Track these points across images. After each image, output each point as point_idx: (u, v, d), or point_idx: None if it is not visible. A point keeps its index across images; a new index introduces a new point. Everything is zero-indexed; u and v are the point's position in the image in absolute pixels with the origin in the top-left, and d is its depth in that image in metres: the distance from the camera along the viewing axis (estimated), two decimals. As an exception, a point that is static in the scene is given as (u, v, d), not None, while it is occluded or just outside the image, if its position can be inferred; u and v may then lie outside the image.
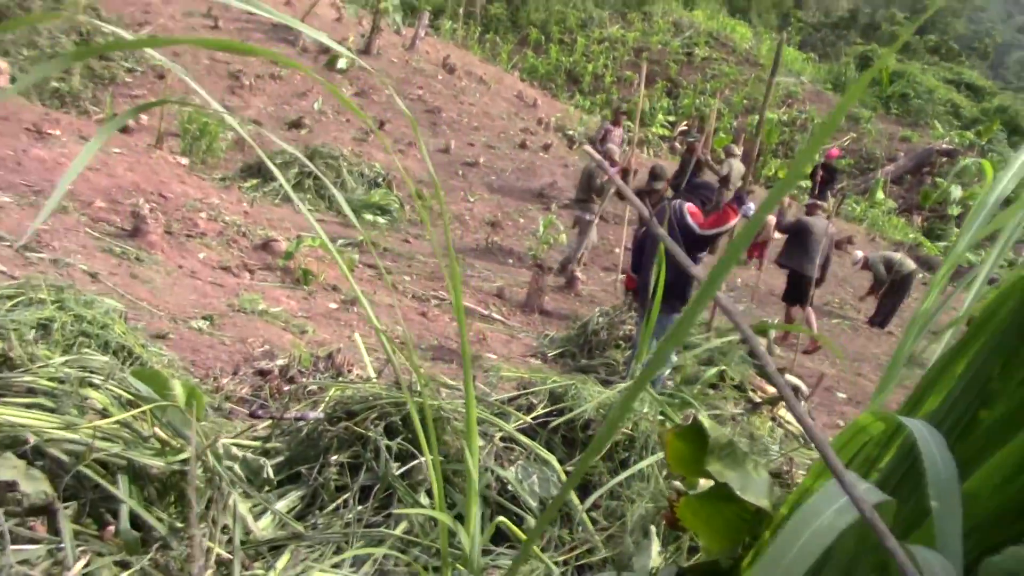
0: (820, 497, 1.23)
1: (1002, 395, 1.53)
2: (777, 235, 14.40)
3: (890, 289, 15.03)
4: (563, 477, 3.60)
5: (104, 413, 2.65)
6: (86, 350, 3.57)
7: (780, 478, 4.50)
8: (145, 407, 2.56)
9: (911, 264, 15.02)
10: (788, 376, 8.96)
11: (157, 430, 2.64)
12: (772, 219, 16.33)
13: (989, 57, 57.33)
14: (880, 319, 15.21)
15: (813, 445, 6.80)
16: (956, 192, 24.58)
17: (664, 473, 3.66)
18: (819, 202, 13.41)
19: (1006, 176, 2.41)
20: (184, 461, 2.63)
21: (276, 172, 2.38)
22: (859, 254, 15.62)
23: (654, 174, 12.79)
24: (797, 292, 12.27)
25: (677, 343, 1.10)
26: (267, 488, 3.31)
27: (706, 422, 1.93)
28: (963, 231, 2.39)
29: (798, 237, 12.23)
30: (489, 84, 23.04)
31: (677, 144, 24.21)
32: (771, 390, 8.43)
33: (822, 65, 36.74)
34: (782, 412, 8.11)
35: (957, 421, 1.58)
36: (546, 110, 23.39)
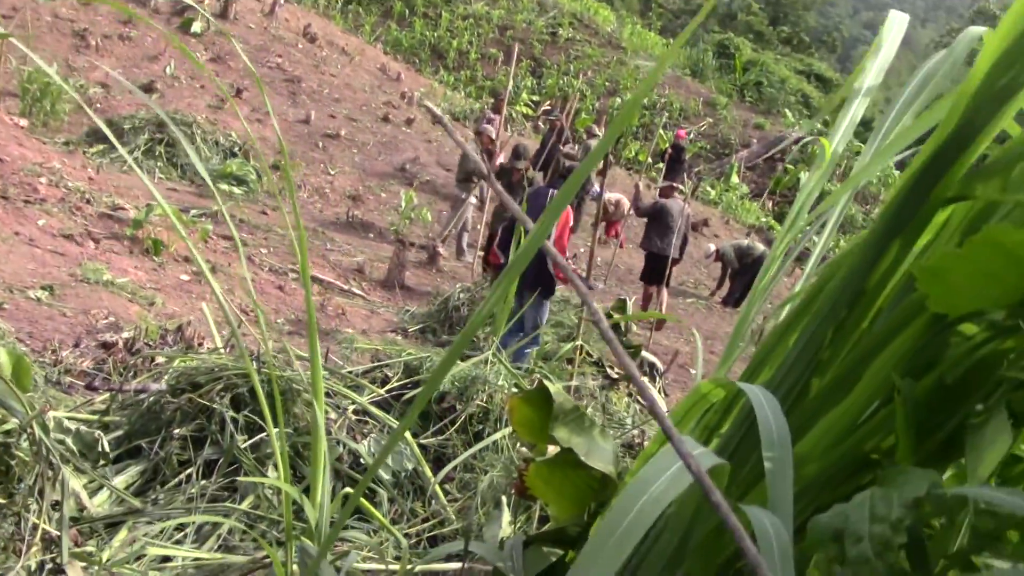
0: (654, 464, 1.23)
1: (832, 362, 1.57)
2: (634, 217, 14.73)
3: (741, 270, 15.63)
4: (416, 451, 3.56)
5: (-82, 382, 2.46)
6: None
7: (632, 450, 4.59)
8: (-37, 375, 2.39)
9: (760, 247, 15.67)
10: (644, 353, 9.15)
11: (-22, 400, 2.47)
12: (625, 200, 16.68)
13: (837, 50, 59.95)
14: (733, 299, 15.78)
15: (670, 401, 6.95)
16: (804, 176, 25.53)
17: (517, 445, 3.67)
18: (674, 184, 13.75)
19: (835, 137, 2.51)
20: (8, 433, 2.47)
21: (113, 139, 2.23)
22: (711, 247, 16.12)
23: (516, 153, 12.82)
24: (655, 272, 12.55)
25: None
26: (103, 463, 3.16)
27: (551, 387, 1.92)
28: (799, 201, 2.47)
29: (656, 219, 12.52)
30: (352, 55, 22.59)
31: (540, 123, 24.35)
32: (627, 366, 8.58)
33: (682, 51, 37.52)
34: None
35: (791, 388, 1.61)
36: (410, 84, 23.12)
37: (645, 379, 8.48)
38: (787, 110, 31.96)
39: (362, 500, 2.81)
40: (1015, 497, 1.08)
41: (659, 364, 9.20)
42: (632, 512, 1.14)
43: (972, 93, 1.39)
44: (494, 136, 13.17)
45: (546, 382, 1.94)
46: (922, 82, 2.20)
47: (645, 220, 13.15)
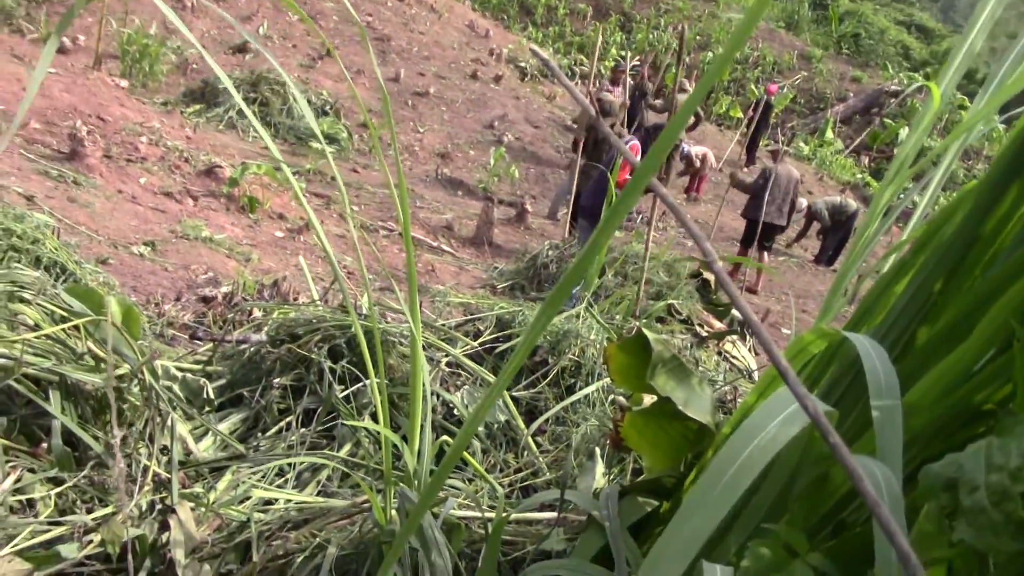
0: (763, 410, 1.21)
1: (944, 309, 1.53)
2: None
3: (833, 227, 15.28)
4: (508, 402, 3.58)
5: (36, 329, 2.56)
6: (16, 265, 3.45)
7: (724, 407, 4.55)
8: (78, 321, 2.47)
9: (853, 204, 15.29)
10: (735, 312, 9.04)
11: (91, 346, 2.57)
12: (711, 155, 16.39)
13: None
14: (826, 257, 15.45)
15: (760, 361, 6.87)
16: (904, 132, 24.80)
17: (610, 398, 3.67)
18: (782, 147, 13.39)
19: (941, 82, 2.40)
20: (120, 378, 2.56)
21: (232, 91, 2.25)
22: (803, 202, 15.70)
23: (603, 110, 12.69)
24: (756, 236, 12.29)
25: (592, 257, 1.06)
26: (207, 409, 3.26)
27: (650, 335, 1.90)
28: (900, 155, 2.39)
29: (764, 188, 12.15)
30: (440, 13, 22.59)
31: (629, 79, 24.05)
32: (717, 325, 8.51)
33: (776, 2, 36.56)
34: (728, 347, 8.21)
35: (899, 336, 1.58)
36: (498, 41, 23.02)
37: (735, 337, 8.39)
38: (886, 62, 30.92)
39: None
40: None
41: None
42: (741, 457, 1.13)
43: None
44: (616, 108, 13.00)
45: (644, 329, 1.93)
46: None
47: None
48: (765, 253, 12.40)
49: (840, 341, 1.72)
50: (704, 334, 8.05)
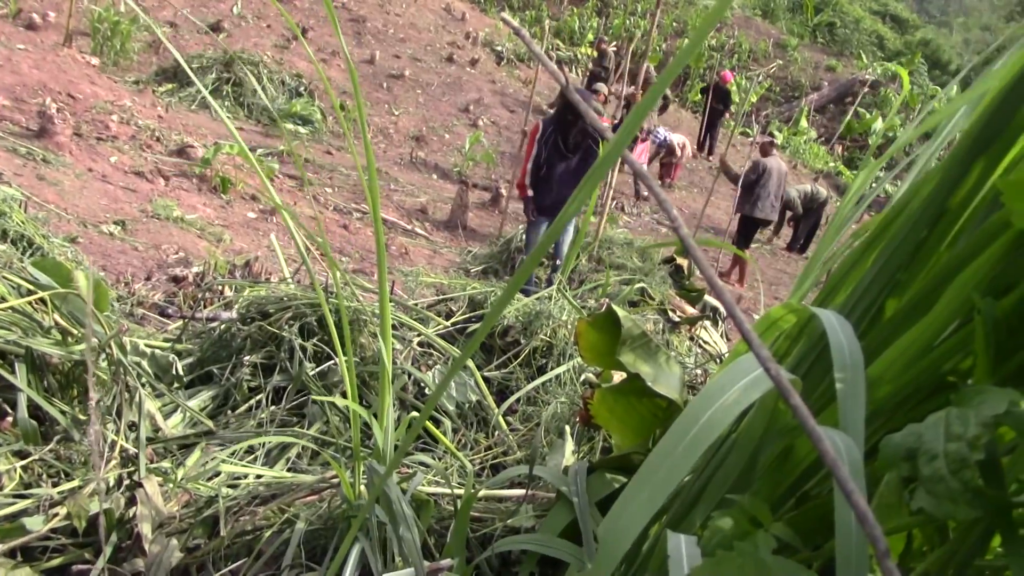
0: (726, 375, 1.22)
1: (910, 284, 1.54)
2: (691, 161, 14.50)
3: (804, 215, 15.39)
4: (480, 382, 3.59)
5: (1, 301, 2.53)
6: (-18, 238, 3.41)
7: (694, 389, 4.58)
8: (44, 293, 2.45)
9: (824, 192, 15.42)
10: (708, 297, 9.09)
11: (58, 319, 2.54)
12: (689, 143, 16.44)
13: (915, -10, 57.93)
14: (798, 245, 15.56)
15: (732, 346, 6.90)
16: (878, 123, 25.01)
17: (581, 378, 3.68)
18: (774, 140, 13.34)
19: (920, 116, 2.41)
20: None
21: (192, 75, 2.23)
22: (790, 193, 15.76)
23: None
24: (750, 237, 12.24)
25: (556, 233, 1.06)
26: (177, 386, 3.24)
27: (620, 311, 1.91)
28: (875, 142, 2.40)
29: (758, 182, 12.04)
30: (417, -5, 22.53)
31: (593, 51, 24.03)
32: (690, 310, 8.55)
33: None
34: (701, 333, 8.26)
35: (866, 311, 1.59)
36: (474, 24, 22.95)
37: (708, 323, 8.44)
38: (861, 52, 31.10)
39: (429, 425, 2.85)
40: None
41: (722, 308, 9.13)
42: (701, 420, 1.14)
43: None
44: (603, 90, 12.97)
45: (614, 305, 1.94)
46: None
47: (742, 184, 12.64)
48: (746, 249, 12.41)
49: (808, 317, 1.74)
50: (676, 319, 8.09)
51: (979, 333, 1.25)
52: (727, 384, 1.20)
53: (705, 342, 8.15)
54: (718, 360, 7.86)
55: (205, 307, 4.87)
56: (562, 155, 7.35)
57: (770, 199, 11.85)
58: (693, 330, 8.06)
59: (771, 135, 13.02)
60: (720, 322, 8.88)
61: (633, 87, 16.23)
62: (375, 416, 2.46)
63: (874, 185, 2.76)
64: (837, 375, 1.34)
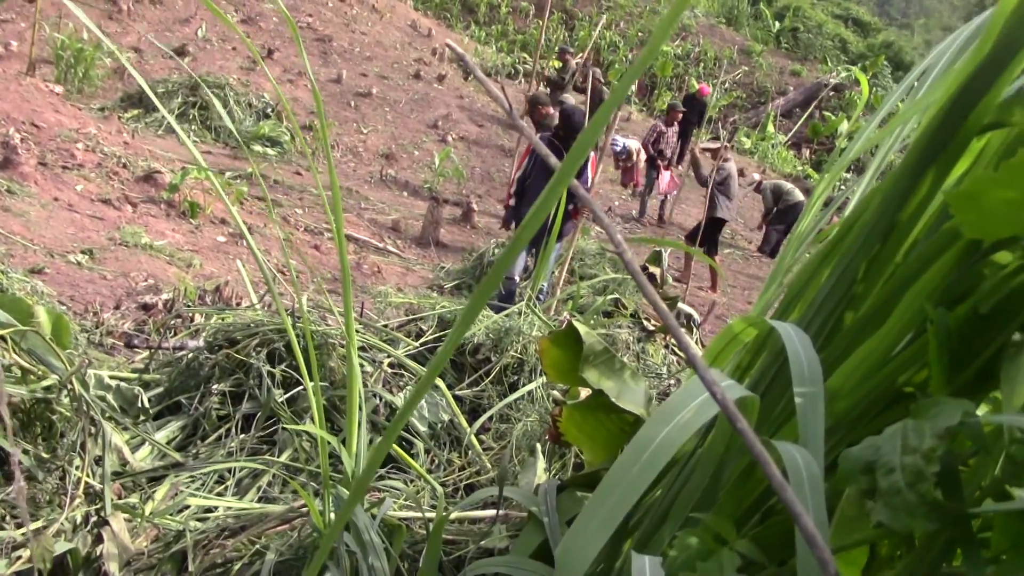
0: (682, 393, 1.22)
1: (865, 297, 1.55)
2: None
3: (777, 218, 15.46)
4: (451, 402, 3.58)
5: (-42, 341, 2.49)
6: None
7: (665, 396, 4.58)
8: (3, 332, 2.42)
9: (799, 195, 15.48)
10: (681, 305, 9.11)
11: (17, 358, 2.51)
12: (642, 150, 16.55)
13: (876, -7, 58.56)
14: (770, 247, 15.63)
15: (705, 334, 6.89)
16: (844, 125, 25.23)
17: (552, 394, 3.67)
18: (726, 144, 13.49)
19: (880, 113, 2.44)
20: (48, 389, 2.51)
21: (156, 101, 2.22)
22: (756, 176, 15.89)
23: (534, 100, 12.72)
24: (712, 238, 12.43)
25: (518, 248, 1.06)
26: (143, 418, 3.20)
27: (581, 328, 1.90)
28: (839, 146, 2.43)
29: (722, 185, 12.33)
30: (382, 12, 22.47)
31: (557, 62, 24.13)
32: (664, 318, 8.56)
33: (715, -1, 36.95)
34: (675, 340, 8.26)
35: (824, 324, 1.59)
36: (440, 40, 22.96)
37: (683, 330, 8.47)
38: (825, 56, 31.39)
39: (398, 449, 2.83)
40: (1050, 424, 1.06)
41: (696, 315, 9.16)
42: (658, 438, 1.14)
43: (1008, 13, 1.35)
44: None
45: (574, 322, 1.93)
46: (980, 24, 2.10)
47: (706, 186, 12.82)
48: (715, 254, 12.55)
49: (770, 329, 1.74)
50: (651, 328, 8.11)
51: (933, 344, 1.25)
52: (682, 403, 1.20)
53: (681, 350, 8.17)
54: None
55: (174, 334, 4.84)
56: (549, 173, 7.39)
57: (734, 201, 12.15)
58: (668, 338, 8.08)
59: (727, 142, 13.16)
60: (695, 329, 8.91)
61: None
62: (344, 444, 2.44)
63: (842, 188, 2.77)
64: (796, 390, 1.35)
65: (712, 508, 1.56)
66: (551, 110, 11.69)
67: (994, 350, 1.27)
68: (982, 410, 1.45)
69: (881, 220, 1.50)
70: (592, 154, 7.73)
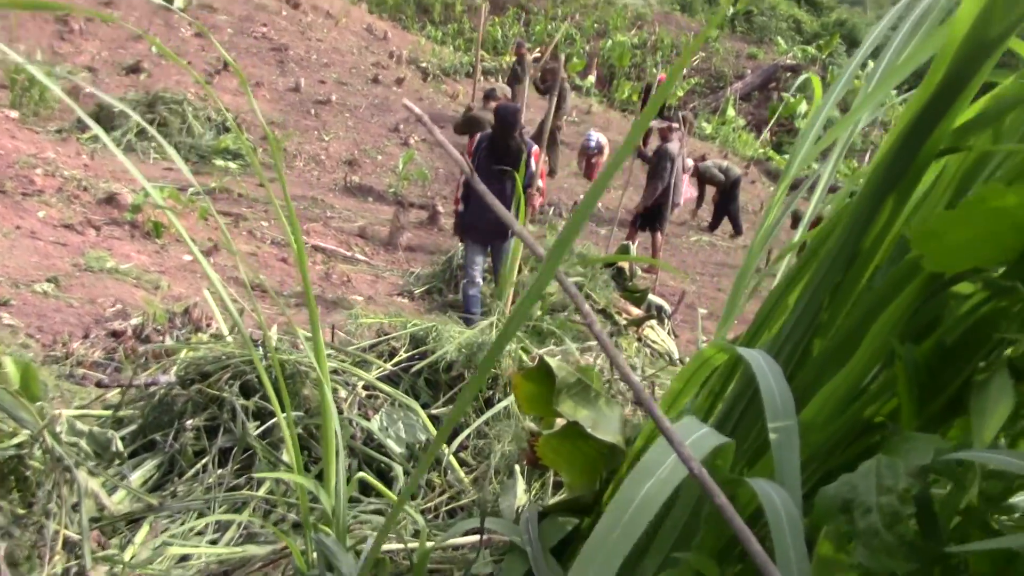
0: (652, 455, 1.22)
1: (831, 324, 1.56)
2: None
3: (722, 196, 15.68)
4: (427, 422, 3.57)
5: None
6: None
7: (642, 404, 4.59)
8: (-31, 391, 2.39)
9: (737, 170, 15.78)
10: (652, 296, 9.16)
11: (-16, 413, 2.48)
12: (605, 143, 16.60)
13: (827, -29, 58.93)
14: (718, 223, 15.88)
15: (679, 344, 6.91)
16: (802, 106, 25.46)
17: (527, 425, 3.67)
18: (672, 123, 13.53)
19: (835, 91, 2.45)
20: (20, 445, 2.48)
21: (95, 126, 2.18)
22: (690, 162, 15.78)
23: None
24: (651, 219, 12.40)
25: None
26: (118, 462, 3.17)
27: (552, 362, 1.91)
28: (794, 150, 2.44)
29: (657, 166, 12.23)
30: (337, 18, 22.35)
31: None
32: (635, 311, 8.61)
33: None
34: (648, 332, 8.31)
35: (793, 350, 1.61)
36: (397, 43, 22.89)
37: (654, 322, 8.50)
38: (779, 37, 31.62)
39: (377, 484, 2.82)
40: (1022, 460, 1.07)
41: (667, 306, 9.21)
42: (635, 501, 1.14)
43: (959, 43, 1.36)
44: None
45: (545, 357, 1.94)
46: (928, 6, 2.10)
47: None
48: (659, 234, 12.48)
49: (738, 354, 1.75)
50: (623, 322, 8.15)
51: (902, 379, 1.27)
52: (659, 459, 1.21)
53: (653, 341, 8.22)
54: (667, 358, 7.93)
55: (147, 361, 4.80)
56: (492, 174, 7.33)
57: (676, 183, 12.10)
58: (640, 331, 8.12)
59: (673, 125, 13.15)
60: (666, 320, 8.96)
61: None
62: (321, 475, 2.43)
63: (807, 172, 2.79)
64: (770, 424, 1.36)
65: (692, 542, 1.57)
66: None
67: (962, 381, 1.28)
68: (952, 432, 1.47)
69: (844, 248, 1.51)
70: (535, 147, 7.70)
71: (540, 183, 7.85)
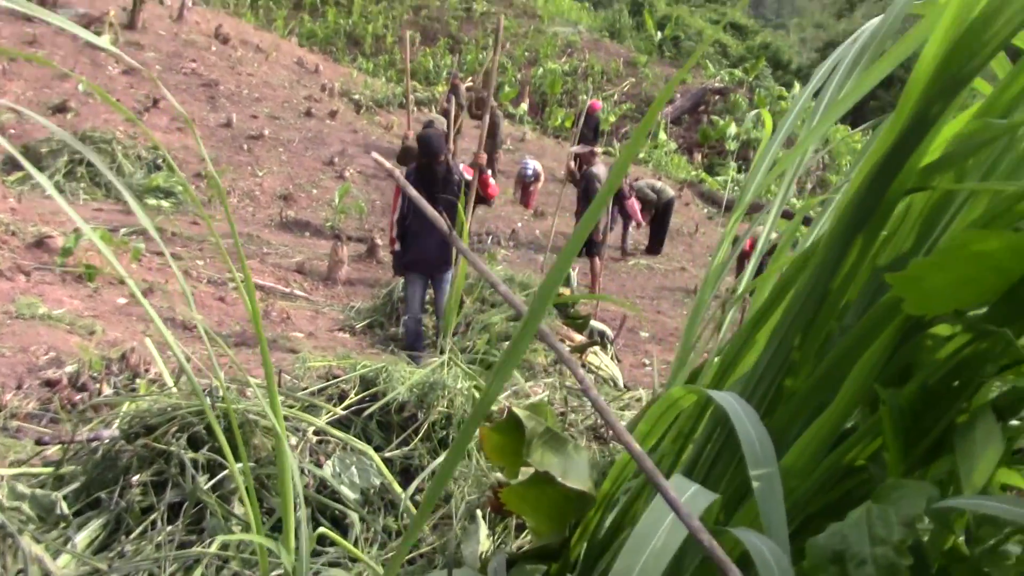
0: (648, 519, 1.20)
1: (803, 363, 1.56)
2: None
3: (655, 218, 15.97)
4: (381, 466, 3.50)
5: None
6: None
7: (596, 431, 4.57)
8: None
9: (671, 192, 16.12)
10: (594, 322, 9.19)
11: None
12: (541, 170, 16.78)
13: (748, -4, 60.29)
14: (657, 246, 16.13)
15: (623, 368, 6.94)
16: (732, 128, 25.94)
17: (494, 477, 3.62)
18: (594, 149, 13.70)
19: (785, 124, 2.46)
20: (-41, 515, 2.37)
21: (30, 167, 2.08)
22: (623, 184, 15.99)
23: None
24: (591, 243, 12.46)
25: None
26: (63, 525, 3.05)
27: (521, 413, 1.88)
28: (748, 180, 2.45)
29: (586, 190, 12.38)
30: (267, 52, 22.17)
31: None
32: (578, 338, 8.62)
33: (597, 13, 37.54)
34: (591, 359, 8.32)
35: (766, 392, 1.60)
36: (329, 75, 22.78)
37: (598, 348, 8.52)
38: (707, 61, 32.19)
39: (336, 536, 2.76)
40: (1015, 507, 1.07)
41: (608, 331, 9.25)
42: (633, 574, 1.11)
43: (923, 83, 1.36)
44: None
45: (515, 409, 1.90)
46: (864, 44, 2.13)
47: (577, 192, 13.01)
48: (597, 259, 12.56)
49: (707, 397, 1.74)
50: (571, 346, 8.15)
51: (887, 424, 1.26)
52: (652, 529, 1.18)
53: (597, 367, 8.22)
54: (611, 384, 7.93)
55: (86, 413, 4.65)
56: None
57: (608, 206, 12.34)
58: (584, 357, 8.12)
59: (596, 149, 13.39)
60: (609, 345, 8.98)
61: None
62: (277, 525, 2.36)
63: (736, 189, 2.79)
64: (752, 472, 1.34)
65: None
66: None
67: (947, 423, 1.28)
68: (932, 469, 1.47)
69: (816, 287, 1.51)
70: (462, 165, 7.71)
71: (490, 182, 7.87)
